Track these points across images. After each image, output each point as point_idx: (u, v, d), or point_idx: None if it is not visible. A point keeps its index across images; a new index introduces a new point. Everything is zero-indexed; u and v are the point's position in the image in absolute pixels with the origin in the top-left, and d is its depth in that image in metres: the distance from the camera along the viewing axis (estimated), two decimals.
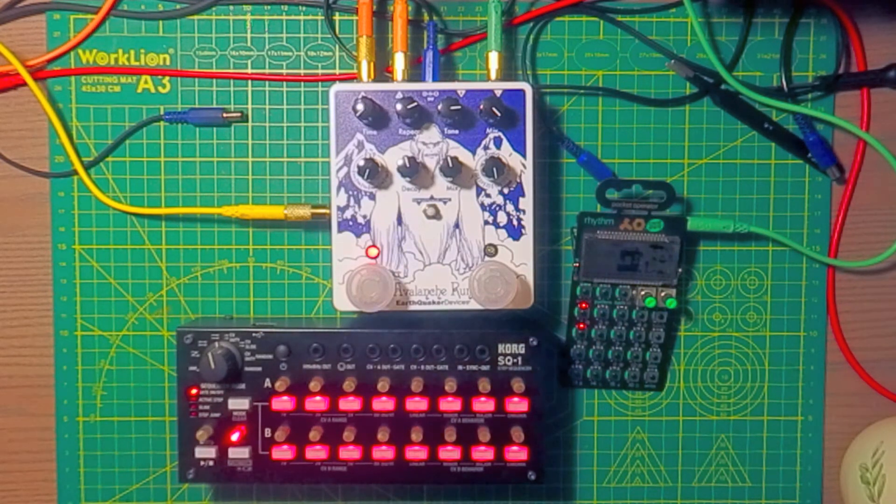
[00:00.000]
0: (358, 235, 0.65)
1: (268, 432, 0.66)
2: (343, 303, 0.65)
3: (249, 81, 0.70)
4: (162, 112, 0.69)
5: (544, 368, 0.66)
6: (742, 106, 0.70)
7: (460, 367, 0.65)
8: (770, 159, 0.71)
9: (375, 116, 0.64)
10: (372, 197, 0.65)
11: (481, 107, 0.63)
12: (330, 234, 0.65)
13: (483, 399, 0.65)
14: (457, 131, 0.65)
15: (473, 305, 0.65)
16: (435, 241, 0.65)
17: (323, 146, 0.70)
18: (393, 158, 0.65)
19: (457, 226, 0.65)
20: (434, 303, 0.66)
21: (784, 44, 0.70)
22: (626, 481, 0.73)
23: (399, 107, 0.63)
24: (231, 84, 0.70)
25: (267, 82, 0.70)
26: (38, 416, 0.72)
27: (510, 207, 0.65)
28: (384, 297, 0.63)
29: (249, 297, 0.71)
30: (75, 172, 0.69)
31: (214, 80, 0.70)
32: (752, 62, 0.70)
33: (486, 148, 0.65)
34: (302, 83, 0.70)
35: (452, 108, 0.63)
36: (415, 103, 0.63)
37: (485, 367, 0.65)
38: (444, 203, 0.65)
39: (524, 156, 0.65)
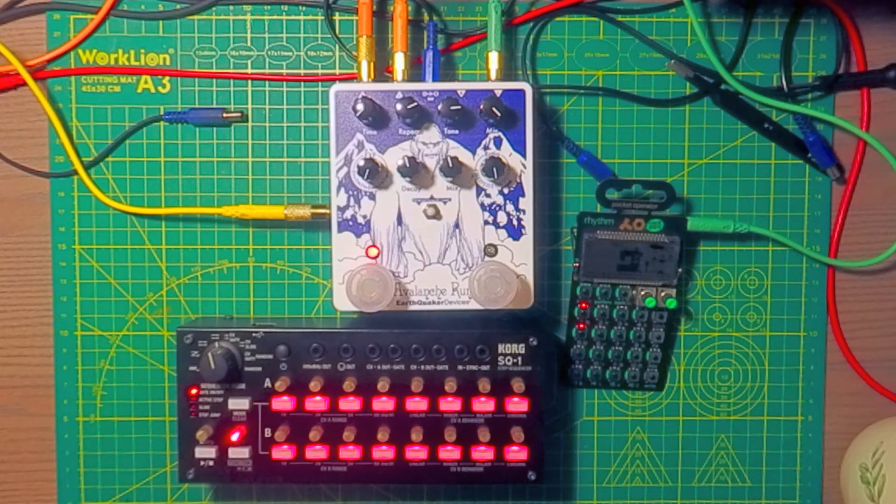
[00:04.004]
0: (358, 235, 0.65)
1: (268, 432, 0.66)
2: (343, 303, 0.65)
3: (249, 81, 0.70)
4: (162, 112, 0.69)
5: (544, 368, 0.66)
6: (742, 106, 0.70)
7: (460, 367, 0.65)
8: (770, 159, 0.71)
9: (375, 116, 0.64)
10: (372, 197, 0.65)
11: (481, 107, 0.63)
12: (330, 234, 0.65)
13: (483, 399, 0.65)
14: (457, 131, 0.65)
15: (473, 305, 0.65)
16: (435, 241, 0.65)
17: (323, 146, 0.70)
18: (393, 158, 0.65)
19: (457, 226, 0.65)
20: (434, 303, 0.66)
21: (784, 44, 0.70)
22: (626, 481, 0.73)
23: (399, 107, 0.63)
24: (231, 84, 0.70)
25: (267, 82, 0.70)
26: (38, 416, 0.72)
27: (510, 207, 0.65)
28: (384, 297, 0.63)
29: (249, 297, 0.71)
30: (75, 172, 0.69)
31: (214, 80, 0.70)
32: (752, 62, 0.70)
33: (486, 148, 0.65)
34: (302, 83, 0.70)
35: (452, 108, 0.63)
36: (415, 103, 0.63)
37: (485, 367, 0.65)
38: (444, 203, 0.65)
39: (524, 156, 0.65)
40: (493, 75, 0.65)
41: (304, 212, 0.68)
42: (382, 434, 0.65)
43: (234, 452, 0.66)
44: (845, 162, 0.71)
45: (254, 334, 0.65)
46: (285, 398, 0.65)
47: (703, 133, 0.71)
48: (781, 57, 0.70)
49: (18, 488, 0.72)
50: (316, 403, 0.65)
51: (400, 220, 0.65)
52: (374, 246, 0.65)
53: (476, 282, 0.64)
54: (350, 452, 0.65)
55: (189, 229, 0.71)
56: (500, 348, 0.65)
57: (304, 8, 0.69)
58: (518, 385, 0.65)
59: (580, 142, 0.70)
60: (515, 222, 0.65)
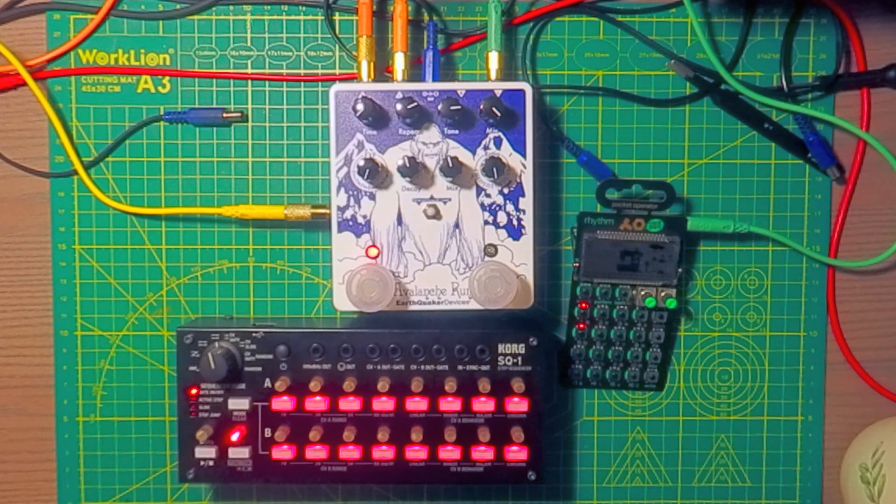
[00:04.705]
0: (358, 235, 0.65)
1: (268, 432, 0.66)
2: (343, 303, 0.65)
3: (249, 81, 0.70)
4: (162, 112, 0.69)
5: (544, 368, 0.66)
6: (742, 106, 0.70)
7: (460, 367, 0.65)
8: (770, 159, 0.71)
9: (375, 116, 0.64)
10: (372, 197, 0.65)
11: (481, 107, 0.63)
12: (330, 234, 0.65)
13: (483, 399, 0.65)
14: (457, 131, 0.65)
15: (473, 305, 0.65)
16: (435, 241, 0.65)
17: (323, 146, 0.70)
18: (393, 158, 0.65)
19: (457, 226, 0.65)
20: (434, 303, 0.66)
21: (784, 44, 0.70)
22: (626, 481, 0.73)
23: (399, 107, 0.63)
24: (231, 84, 0.70)
25: (267, 82, 0.70)
26: (38, 416, 0.72)
27: (510, 207, 0.65)
28: (384, 297, 0.63)
29: (249, 297, 0.71)
30: (75, 172, 0.69)
31: (214, 80, 0.70)
32: (752, 62, 0.70)
33: (486, 148, 0.65)
34: (302, 83, 0.70)
35: (452, 108, 0.63)
36: (415, 103, 0.63)
37: (485, 367, 0.65)
38: (444, 203, 0.65)
39: (524, 156, 0.65)
40: (493, 75, 0.65)
41: (304, 212, 0.68)
42: (382, 434, 0.65)
43: (234, 452, 0.66)
44: (845, 162, 0.71)
45: (254, 334, 0.65)
46: (285, 398, 0.65)
47: (703, 133, 0.71)
48: (781, 57, 0.70)
49: (18, 488, 0.72)
50: (316, 403, 0.65)
51: (400, 220, 0.65)
52: (374, 246, 0.65)
53: (476, 282, 0.64)
54: (350, 452, 0.65)
55: (189, 229, 0.71)
56: (500, 348, 0.65)
57: (304, 8, 0.69)
58: (518, 385, 0.65)
59: (580, 142, 0.70)
60: (515, 222, 0.65)
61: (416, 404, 0.65)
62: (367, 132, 0.65)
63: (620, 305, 0.70)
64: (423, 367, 0.65)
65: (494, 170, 0.63)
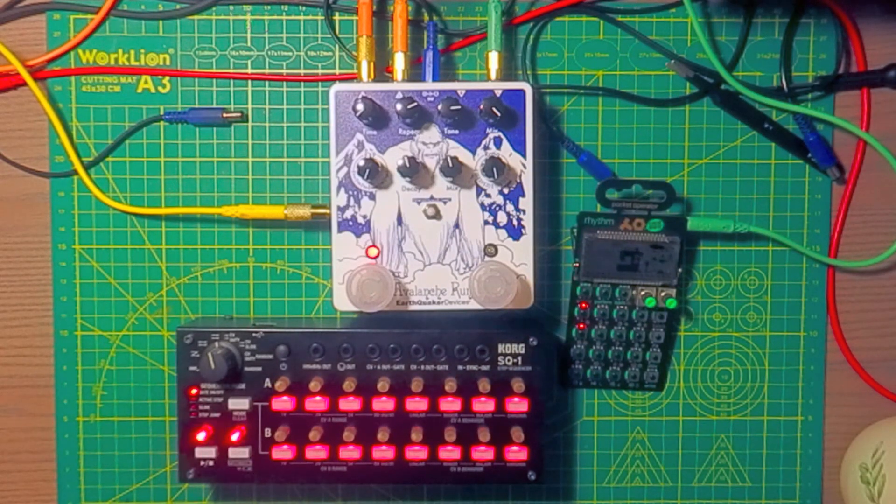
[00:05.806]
0: (358, 235, 0.65)
1: (268, 432, 0.66)
2: (343, 303, 0.65)
3: (249, 81, 0.70)
4: (162, 112, 0.69)
5: (544, 368, 0.66)
6: (742, 106, 0.70)
7: (460, 367, 0.65)
8: (770, 159, 0.71)
9: (375, 116, 0.64)
10: (372, 197, 0.65)
11: (481, 107, 0.63)
12: (330, 234, 0.65)
13: (483, 399, 0.65)
14: (457, 131, 0.65)
15: (473, 305, 0.65)
16: (435, 241, 0.65)
17: (323, 146, 0.70)
18: (393, 158, 0.65)
19: (457, 226, 0.65)
20: (434, 303, 0.66)
21: (784, 44, 0.70)
22: (626, 481, 0.73)
23: (399, 107, 0.63)
24: (231, 84, 0.70)
25: (267, 82, 0.70)
26: (38, 416, 0.72)
27: (510, 207, 0.65)
28: (384, 297, 0.63)
29: (249, 297, 0.71)
30: (75, 172, 0.69)
31: (214, 80, 0.70)
32: (752, 62, 0.70)
33: (486, 148, 0.65)
34: (302, 83, 0.70)
35: (452, 108, 0.63)
36: (415, 103, 0.63)
37: (485, 367, 0.65)
38: (444, 203, 0.65)
39: (524, 156, 0.65)
40: (493, 75, 0.65)
41: (304, 212, 0.68)
42: (382, 434, 0.65)
43: (234, 452, 0.66)
44: (845, 162, 0.71)
45: (254, 334, 0.65)
46: (285, 398, 0.65)
47: (703, 133, 0.71)
48: (781, 57, 0.70)
49: (18, 488, 0.72)
50: (316, 403, 0.65)
51: (400, 220, 0.65)
52: (374, 246, 0.65)
53: (476, 282, 0.64)
54: (350, 452, 0.65)
55: (189, 229, 0.71)
56: (500, 348, 0.65)
57: (304, 8, 0.69)
58: (518, 385, 0.65)
59: (580, 142, 0.70)
60: (515, 222, 0.65)
61: (416, 404, 0.65)
62: (367, 132, 0.65)
63: (620, 305, 0.70)
64: (423, 367, 0.65)
65: (494, 170, 0.63)
